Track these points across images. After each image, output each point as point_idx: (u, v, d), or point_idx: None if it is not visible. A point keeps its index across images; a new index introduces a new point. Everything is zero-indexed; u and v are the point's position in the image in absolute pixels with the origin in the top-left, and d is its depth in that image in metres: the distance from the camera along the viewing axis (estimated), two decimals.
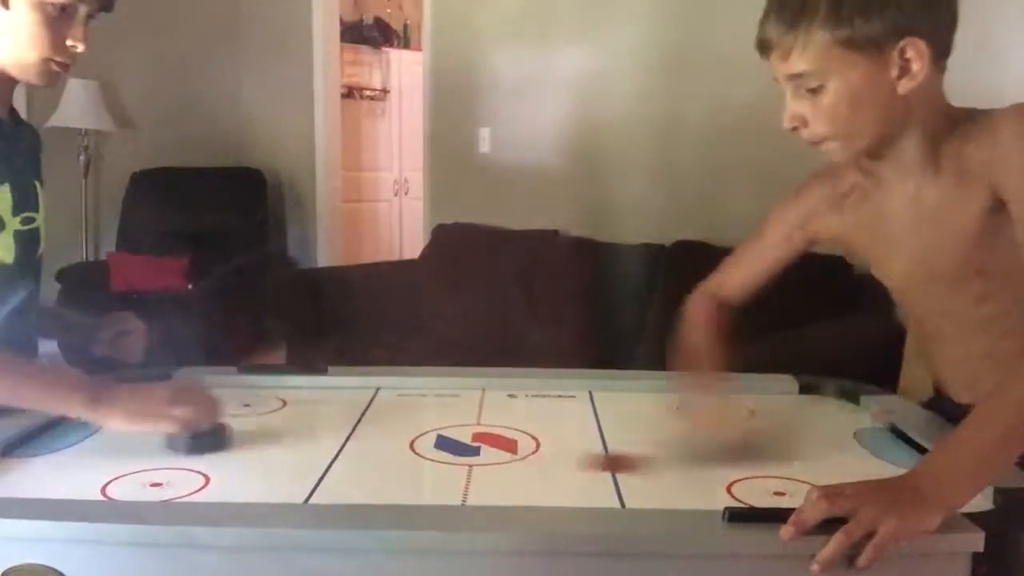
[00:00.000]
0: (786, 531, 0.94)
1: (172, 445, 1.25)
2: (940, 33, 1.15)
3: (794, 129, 1.20)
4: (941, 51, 1.16)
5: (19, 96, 4.99)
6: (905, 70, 1.13)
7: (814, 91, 1.16)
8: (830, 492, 0.95)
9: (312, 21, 5.14)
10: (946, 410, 1.38)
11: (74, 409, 1.24)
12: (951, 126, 1.20)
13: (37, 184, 1.45)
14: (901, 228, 1.29)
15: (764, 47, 1.18)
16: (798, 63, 1.14)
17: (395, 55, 6.41)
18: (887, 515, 0.93)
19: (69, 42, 1.31)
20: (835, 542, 0.92)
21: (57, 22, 1.29)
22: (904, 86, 1.14)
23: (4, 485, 1.14)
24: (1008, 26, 2.75)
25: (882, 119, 1.18)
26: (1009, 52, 2.73)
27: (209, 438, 1.27)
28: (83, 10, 1.30)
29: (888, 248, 1.33)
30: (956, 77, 1.22)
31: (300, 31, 5.17)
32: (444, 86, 4.55)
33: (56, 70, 1.32)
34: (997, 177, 1.16)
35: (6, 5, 1.27)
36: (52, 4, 1.27)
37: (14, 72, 1.33)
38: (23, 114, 1.50)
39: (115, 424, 1.23)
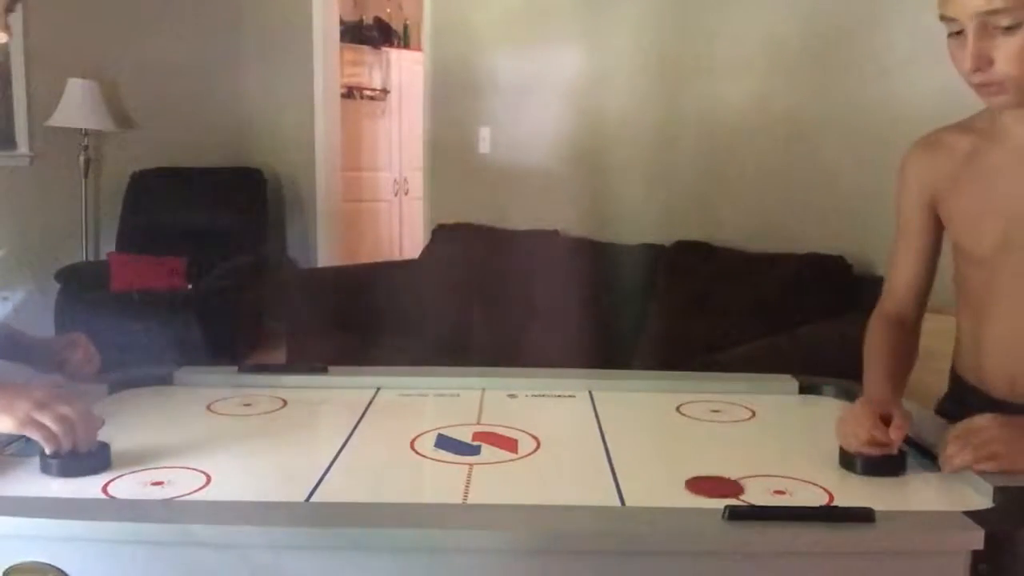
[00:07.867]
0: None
1: (44, 468, 1.15)
2: None
3: (976, 71, 1.17)
4: None
5: (19, 96, 4.98)
6: None
7: (1008, 30, 1.13)
8: (977, 443, 1.13)
9: (312, 21, 5.14)
10: (967, 405, 1.34)
11: None
12: None
13: None
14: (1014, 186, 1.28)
15: None
16: None
17: (395, 55, 6.41)
18: (1016, 455, 1.12)
19: None
20: (965, 456, 1.12)
21: None
22: None
23: (5, 483, 1.14)
24: None
25: None
26: None
27: (84, 459, 1.15)
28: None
29: (989, 206, 1.30)
30: None
31: (300, 31, 5.18)
32: (444, 86, 4.55)
33: None
34: None
35: None
36: None
37: None
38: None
39: None
